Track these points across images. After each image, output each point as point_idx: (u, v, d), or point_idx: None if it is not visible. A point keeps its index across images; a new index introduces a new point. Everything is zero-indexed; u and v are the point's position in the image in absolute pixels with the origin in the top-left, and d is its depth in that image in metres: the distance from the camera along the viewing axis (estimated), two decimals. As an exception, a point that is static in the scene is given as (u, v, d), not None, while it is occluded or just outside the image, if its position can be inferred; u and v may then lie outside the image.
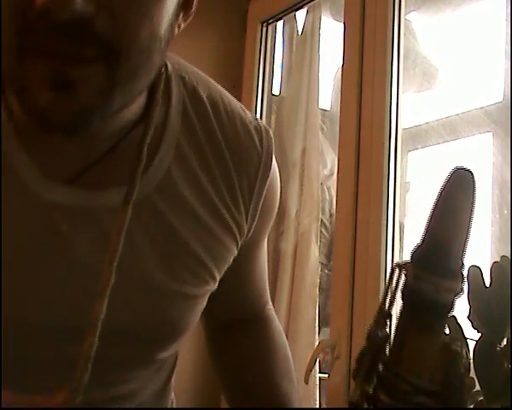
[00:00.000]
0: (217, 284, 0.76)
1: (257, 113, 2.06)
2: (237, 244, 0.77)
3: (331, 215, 2.16)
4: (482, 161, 1.73)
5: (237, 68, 2.13)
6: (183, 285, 0.70)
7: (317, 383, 1.75)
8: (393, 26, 1.61)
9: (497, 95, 1.67)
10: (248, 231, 0.79)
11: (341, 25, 1.76)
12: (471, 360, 0.82)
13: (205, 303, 0.76)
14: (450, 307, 0.48)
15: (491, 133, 1.70)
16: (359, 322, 1.54)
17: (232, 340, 0.92)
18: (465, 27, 1.89)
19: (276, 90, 2.17)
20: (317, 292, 1.82)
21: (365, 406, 0.49)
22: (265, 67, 2.11)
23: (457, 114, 1.77)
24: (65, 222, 0.63)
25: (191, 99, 0.73)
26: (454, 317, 0.85)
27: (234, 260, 0.78)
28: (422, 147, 1.87)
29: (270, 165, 0.79)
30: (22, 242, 0.62)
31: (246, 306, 0.94)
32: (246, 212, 0.77)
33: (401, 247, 1.65)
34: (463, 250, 0.48)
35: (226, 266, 0.77)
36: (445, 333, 0.49)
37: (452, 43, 1.90)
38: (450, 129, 1.77)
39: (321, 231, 2.00)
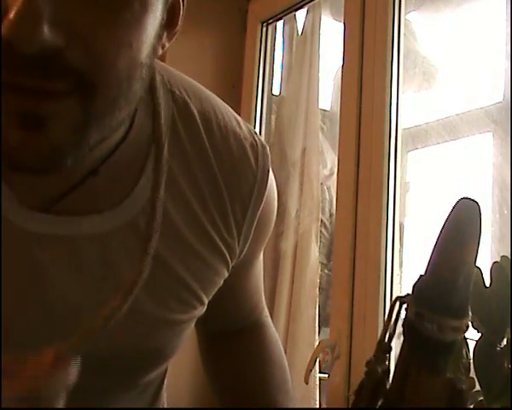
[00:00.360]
0: (205, 308, 0.73)
1: (257, 113, 2.06)
2: (228, 267, 0.74)
3: (331, 215, 2.16)
4: (482, 161, 1.73)
5: (237, 68, 2.13)
6: (169, 313, 0.67)
7: (317, 383, 1.75)
8: (393, 26, 1.61)
9: (497, 95, 1.67)
10: (240, 253, 0.75)
11: (341, 25, 1.76)
12: (471, 360, 0.82)
13: (192, 325, 0.74)
14: (455, 344, 0.45)
15: (491, 133, 1.70)
16: (359, 322, 1.54)
17: (227, 349, 0.89)
18: (465, 27, 1.89)
19: (276, 90, 2.17)
20: (317, 292, 1.82)
21: None
22: (265, 67, 2.11)
23: (457, 114, 1.77)
24: (41, 251, 0.59)
25: (181, 115, 0.68)
26: (454, 317, 0.85)
27: (225, 279, 0.75)
28: (422, 147, 1.87)
29: (266, 184, 0.75)
30: (1, 272, 0.59)
31: (240, 317, 0.91)
32: (238, 234, 0.73)
33: (401, 247, 1.65)
34: (469, 285, 0.45)
35: (216, 289, 0.74)
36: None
37: (452, 43, 1.90)
38: (450, 129, 1.77)
39: (321, 231, 2.00)
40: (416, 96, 1.88)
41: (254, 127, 2.03)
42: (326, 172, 2.19)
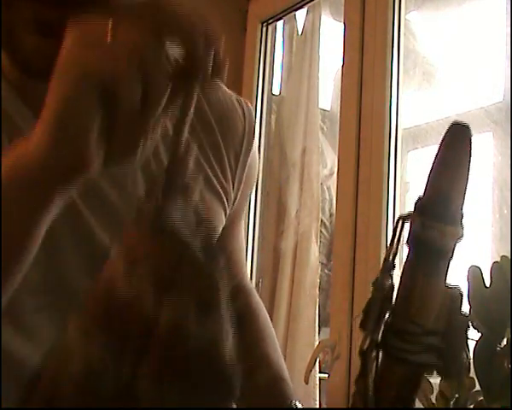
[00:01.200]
0: None
1: (257, 113, 2.06)
2: (225, 212, 0.79)
3: (331, 215, 2.16)
4: (482, 161, 1.73)
5: (237, 68, 2.13)
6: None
7: (317, 383, 1.75)
8: (393, 26, 1.61)
9: (497, 95, 1.67)
10: (234, 200, 0.81)
11: (341, 25, 1.76)
12: (471, 360, 0.82)
13: None
14: (453, 252, 0.52)
15: (491, 133, 1.70)
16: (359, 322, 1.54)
17: None
18: (465, 27, 1.89)
19: (276, 90, 2.17)
20: (317, 292, 1.82)
21: (374, 354, 0.52)
22: (265, 67, 2.11)
23: (457, 114, 1.77)
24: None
25: None
26: (454, 317, 0.85)
27: (219, 236, 0.78)
28: (422, 147, 1.87)
29: (253, 136, 0.83)
30: None
31: (230, 274, 0.93)
32: (232, 180, 0.80)
33: (401, 247, 1.65)
34: (463, 200, 0.52)
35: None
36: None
37: (452, 43, 1.90)
38: (450, 129, 1.77)
39: (321, 231, 2.00)
40: (416, 96, 1.88)
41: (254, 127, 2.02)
42: (326, 172, 2.19)
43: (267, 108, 2.10)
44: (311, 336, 1.79)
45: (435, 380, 0.87)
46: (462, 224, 0.52)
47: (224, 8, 2.13)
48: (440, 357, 0.53)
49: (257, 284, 1.88)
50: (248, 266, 1.82)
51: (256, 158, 0.87)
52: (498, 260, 0.84)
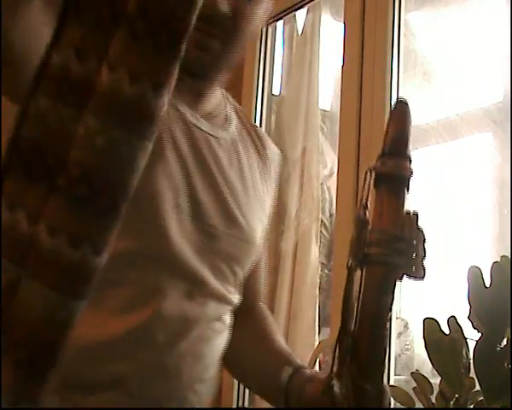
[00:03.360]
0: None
1: (257, 113, 2.06)
2: (264, 224, 1.02)
3: (331, 215, 2.16)
4: (482, 161, 1.73)
5: (237, 68, 2.12)
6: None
7: (317, 383, 1.74)
8: (393, 26, 1.61)
9: (497, 95, 1.67)
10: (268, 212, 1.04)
11: (341, 25, 1.76)
12: (471, 360, 0.82)
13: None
14: (408, 182, 0.74)
15: (491, 133, 1.70)
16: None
17: (242, 323, 1.03)
18: (465, 27, 1.89)
19: (276, 90, 2.17)
20: (317, 292, 1.82)
21: (360, 267, 0.72)
22: (265, 67, 2.11)
23: (457, 114, 1.77)
24: (203, 144, 0.93)
25: (234, 103, 1.07)
26: (454, 317, 0.85)
27: None
28: (422, 147, 1.87)
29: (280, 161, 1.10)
30: (184, 155, 0.89)
31: (248, 294, 1.04)
32: (271, 191, 1.05)
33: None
34: (409, 141, 0.77)
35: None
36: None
37: (452, 43, 1.90)
38: (450, 129, 1.77)
39: (321, 231, 2.00)
40: (416, 96, 1.88)
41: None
42: (326, 172, 2.19)
43: (267, 108, 2.10)
44: (311, 336, 1.79)
45: (435, 380, 0.87)
46: (410, 161, 0.75)
47: (223, 8, 2.12)
48: (407, 259, 0.71)
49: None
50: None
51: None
52: (498, 260, 0.84)
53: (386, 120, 1.68)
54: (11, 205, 0.45)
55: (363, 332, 0.72)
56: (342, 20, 1.76)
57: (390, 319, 0.73)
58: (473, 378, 0.82)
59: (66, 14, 0.46)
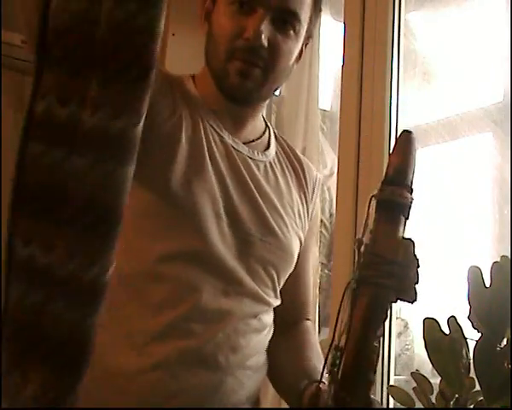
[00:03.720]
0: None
1: (257, 113, 2.06)
2: (301, 240, 1.13)
3: (331, 215, 2.16)
4: (482, 161, 1.73)
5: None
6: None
7: (317, 383, 1.74)
8: (393, 25, 1.61)
9: (497, 95, 1.67)
10: (306, 230, 1.15)
11: (341, 25, 1.76)
12: (471, 360, 0.82)
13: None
14: (408, 209, 0.78)
15: (491, 133, 1.70)
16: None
17: (279, 340, 1.12)
18: (465, 27, 1.89)
19: (276, 90, 2.17)
20: (317, 292, 1.82)
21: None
22: (265, 67, 2.10)
23: (457, 114, 1.77)
24: (241, 164, 1.06)
25: (275, 131, 1.22)
26: (454, 317, 0.85)
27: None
28: (422, 147, 1.87)
29: (320, 183, 1.23)
30: (222, 172, 1.03)
31: (291, 308, 1.16)
32: (307, 211, 1.15)
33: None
34: (412, 178, 0.78)
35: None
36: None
37: (452, 43, 1.90)
38: (450, 129, 1.77)
39: (321, 231, 2.00)
40: (416, 96, 1.88)
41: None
42: (326, 172, 2.19)
43: (267, 108, 2.10)
44: (311, 336, 1.79)
45: (435, 380, 0.87)
46: (412, 191, 0.78)
47: (223, 8, 2.12)
48: (398, 281, 0.75)
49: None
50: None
51: (318, 202, 1.25)
52: (498, 260, 0.84)
53: (386, 120, 1.69)
54: (25, 241, 0.51)
55: (348, 348, 0.75)
56: (342, 20, 1.76)
57: (380, 337, 0.76)
58: (473, 378, 0.82)
59: (42, 63, 0.51)
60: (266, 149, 1.13)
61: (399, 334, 1.85)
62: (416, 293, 0.76)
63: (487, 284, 0.84)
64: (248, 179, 1.05)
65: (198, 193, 0.98)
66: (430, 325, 0.86)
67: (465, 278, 0.85)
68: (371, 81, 1.61)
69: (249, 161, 1.08)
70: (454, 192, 1.77)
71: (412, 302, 0.76)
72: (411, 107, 1.73)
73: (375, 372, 0.75)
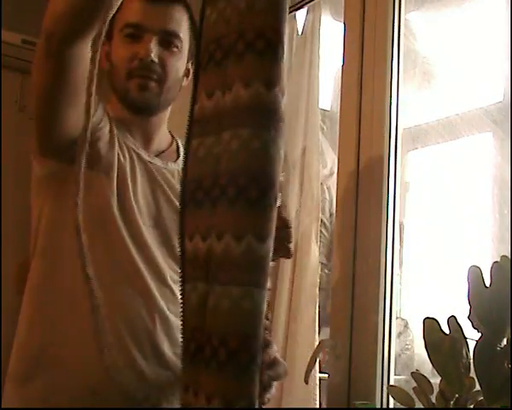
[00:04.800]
0: None
1: (257, 113, 2.05)
2: None
3: (331, 215, 2.16)
4: (482, 161, 1.73)
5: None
6: None
7: (317, 383, 1.75)
8: (393, 26, 1.61)
9: (497, 95, 1.67)
10: None
11: (341, 25, 1.76)
12: (471, 360, 0.82)
13: None
14: None
15: (491, 133, 1.70)
16: (359, 322, 1.54)
17: None
18: (465, 27, 1.89)
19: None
20: (317, 292, 1.82)
21: None
22: (265, 67, 2.10)
23: (457, 114, 1.77)
24: (158, 174, 1.29)
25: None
26: (454, 317, 0.85)
27: None
28: (422, 147, 1.87)
29: None
30: (136, 185, 1.26)
31: None
32: None
33: (401, 247, 1.65)
34: None
35: None
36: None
37: (452, 43, 1.90)
38: (450, 129, 1.77)
39: (321, 231, 2.00)
40: (416, 96, 1.88)
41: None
42: (326, 172, 2.19)
43: (267, 108, 2.09)
44: (311, 336, 1.79)
45: (435, 380, 0.88)
46: None
47: (224, 8, 2.12)
48: None
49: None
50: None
51: None
52: (498, 260, 0.84)
53: (386, 120, 1.68)
54: (190, 235, 0.56)
55: None
56: (342, 20, 1.76)
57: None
58: (473, 378, 0.82)
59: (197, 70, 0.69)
60: (177, 159, 1.34)
61: (399, 334, 1.85)
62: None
63: (487, 284, 0.84)
64: (167, 188, 1.28)
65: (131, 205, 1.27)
66: (430, 324, 0.86)
67: (465, 277, 0.85)
68: (371, 81, 1.61)
69: (164, 170, 1.30)
70: (454, 192, 1.77)
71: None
72: (411, 107, 1.73)
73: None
